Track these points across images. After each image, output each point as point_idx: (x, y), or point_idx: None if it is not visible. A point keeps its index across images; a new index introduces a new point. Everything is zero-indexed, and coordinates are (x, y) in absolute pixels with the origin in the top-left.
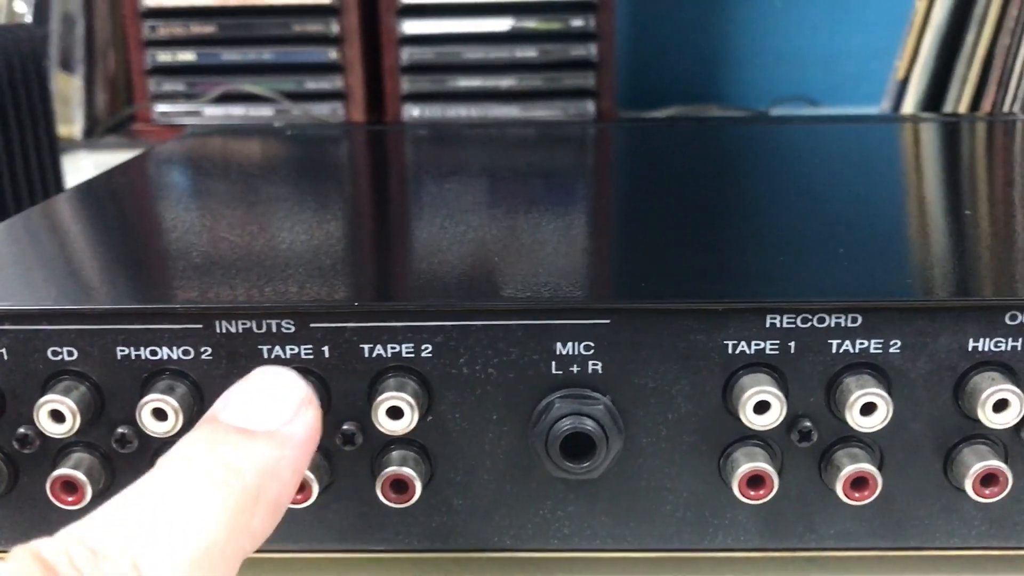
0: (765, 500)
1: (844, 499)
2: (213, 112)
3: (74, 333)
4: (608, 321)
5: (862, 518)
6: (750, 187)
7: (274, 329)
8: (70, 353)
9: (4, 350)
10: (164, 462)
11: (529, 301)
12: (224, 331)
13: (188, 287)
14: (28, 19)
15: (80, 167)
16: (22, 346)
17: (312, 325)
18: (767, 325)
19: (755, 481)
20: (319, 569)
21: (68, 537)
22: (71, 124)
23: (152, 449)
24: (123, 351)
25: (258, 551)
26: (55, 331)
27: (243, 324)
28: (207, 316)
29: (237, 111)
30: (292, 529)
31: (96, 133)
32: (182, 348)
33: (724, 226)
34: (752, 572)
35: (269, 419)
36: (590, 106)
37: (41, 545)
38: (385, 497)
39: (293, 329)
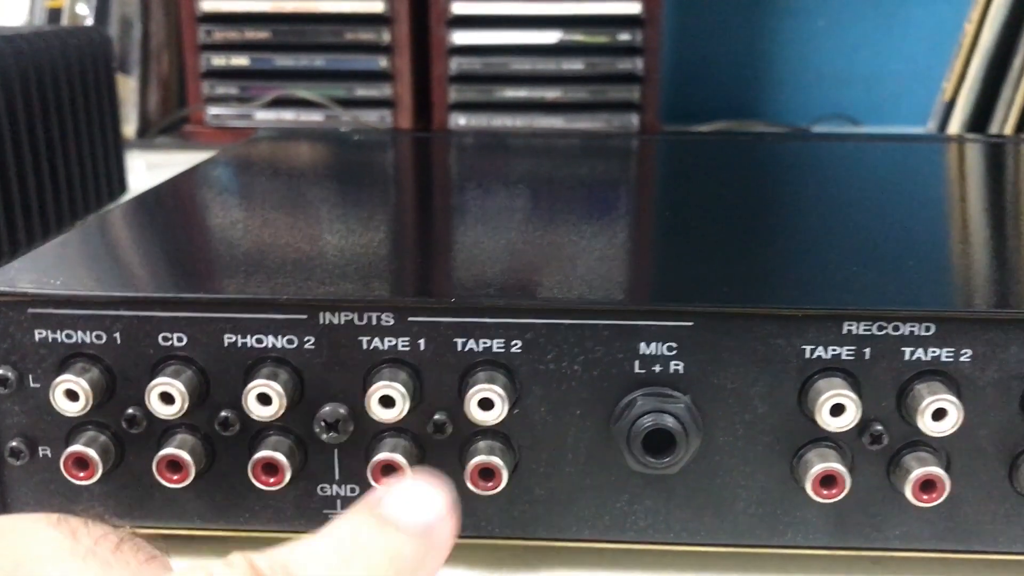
0: (837, 499)
1: (913, 501)
2: (265, 116)
3: (184, 320)
4: (691, 324)
5: (927, 520)
6: (810, 200)
7: (374, 321)
8: (179, 339)
9: (118, 334)
10: (336, 528)
11: (616, 302)
12: (327, 322)
13: (290, 280)
14: (89, 22)
15: (133, 167)
16: (135, 331)
17: (410, 319)
18: (844, 332)
19: (828, 481)
20: None
21: (274, 559)
22: (125, 124)
23: (252, 431)
24: (230, 338)
25: None
26: (167, 318)
27: (345, 316)
28: (312, 307)
29: (288, 115)
30: None
31: (149, 134)
32: (286, 337)
33: (791, 237)
34: (819, 570)
35: (421, 518)
36: (634, 119)
37: (255, 558)
38: (473, 484)
39: (392, 322)
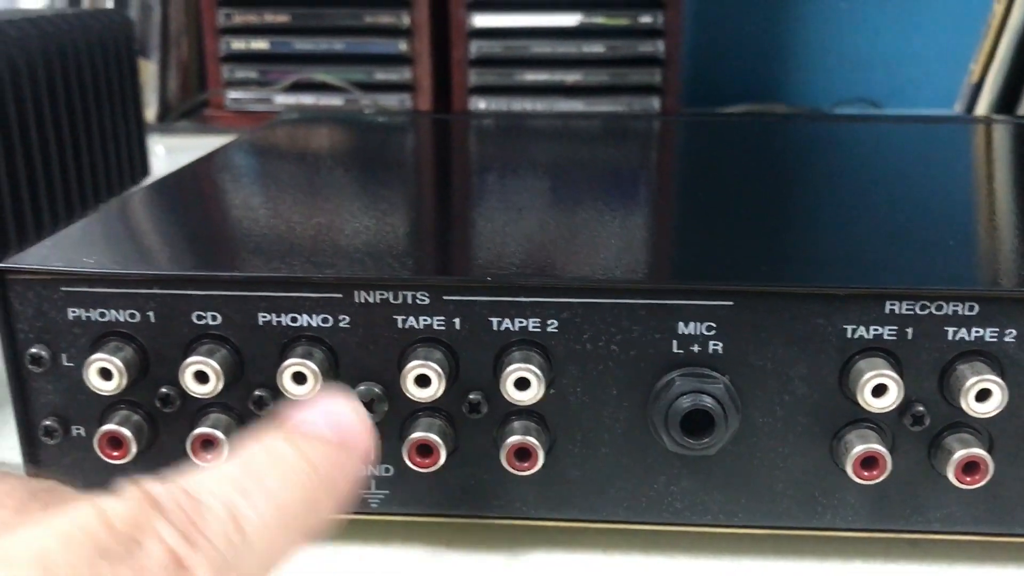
0: (877, 481)
1: (955, 483)
2: (284, 100)
3: (219, 299)
4: (731, 303)
5: (968, 503)
6: (844, 180)
7: (409, 300)
8: (214, 318)
9: (151, 313)
10: (245, 448)
11: (655, 281)
12: (362, 300)
13: (323, 259)
14: (110, 5)
15: (153, 152)
16: (168, 310)
17: (445, 298)
18: (886, 311)
19: (869, 462)
20: (436, 533)
21: (174, 485)
22: (145, 109)
23: None
24: (264, 317)
25: (376, 513)
26: (201, 296)
27: (380, 295)
28: (347, 286)
29: (308, 99)
30: (416, 492)
31: (169, 118)
32: (321, 316)
33: (827, 216)
34: (856, 553)
35: (336, 426)
36: (655, 103)
37: (151, 486)
38: (510, 464)
39: (428, 301)
